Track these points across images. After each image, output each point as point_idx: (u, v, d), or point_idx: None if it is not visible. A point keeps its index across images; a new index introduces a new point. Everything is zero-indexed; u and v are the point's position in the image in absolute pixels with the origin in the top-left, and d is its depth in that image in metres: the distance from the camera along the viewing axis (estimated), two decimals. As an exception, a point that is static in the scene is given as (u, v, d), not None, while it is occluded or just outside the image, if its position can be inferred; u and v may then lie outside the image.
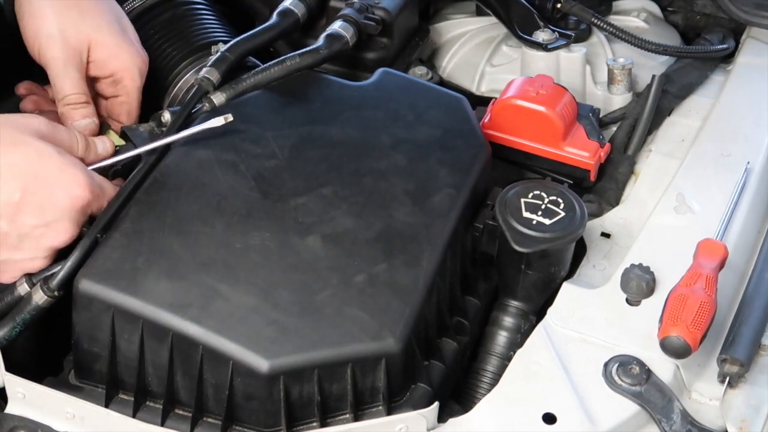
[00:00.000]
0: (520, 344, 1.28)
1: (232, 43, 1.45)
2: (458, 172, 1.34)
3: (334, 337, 1.17)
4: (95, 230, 1.23)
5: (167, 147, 1.32)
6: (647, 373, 1.22)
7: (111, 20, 1.43)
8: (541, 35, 1.69)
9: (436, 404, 1.17)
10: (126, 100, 1.45)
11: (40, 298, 1.22)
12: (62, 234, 1.22)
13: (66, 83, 1.39)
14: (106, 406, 1.21)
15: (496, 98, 1.55)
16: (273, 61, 1.43)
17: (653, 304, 1.27)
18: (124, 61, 1.43)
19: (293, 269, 1.22)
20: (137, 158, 1.32)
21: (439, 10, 1.87)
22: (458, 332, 1.33)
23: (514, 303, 1.37)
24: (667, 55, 1.72)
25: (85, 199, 1.22)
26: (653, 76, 1.59)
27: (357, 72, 1.62)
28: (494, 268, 1.39)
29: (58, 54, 1.38)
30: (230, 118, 1.32)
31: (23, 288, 1.24)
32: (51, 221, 1.21)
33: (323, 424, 1.20)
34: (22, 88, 1.48)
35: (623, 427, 1.19)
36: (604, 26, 1.71)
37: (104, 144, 1.34)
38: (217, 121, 1.32)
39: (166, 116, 1.37)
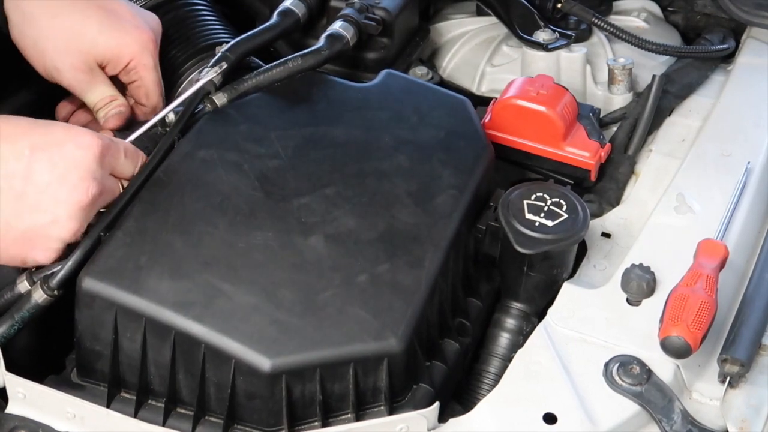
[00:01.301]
0: (522, 346, 1.28)
1: (232, 43, 1.45)
2: (461, 173, 1.34)
3: (336, 337, 1.17)
4: (98, 229, 1.23)
5: (171, 147, 1.33)
6: (648, 373, 1.22)
7: (102, 21, 1.42)
8: (542, 35, 1.69)
9: (436, 404, 1.17)
10: (141, 84, 1.46)
11: (39, 296, 1.22)
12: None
13: (92, 97, 1.43)
14: (108, 404, 1.21)
15: (496, 98, 1.55)
16: (275, 62, 1.43)
17: (654, 304, 1.28)
18: (129, 52, 1.43)
19: (296, 269, 1.22)
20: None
21: (439, 10, 1.87)
22: (460, 333, 1.33)
23: (516, 305, 1.37)
24: (667, 55, 1.72)
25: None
26: (653, 76, 1.59)
27: (357, 72, 1.62)
28: (496, 270, 1.39)
29: (71, 81, 1.42)
30: None
31: (23, 286, 1.24)
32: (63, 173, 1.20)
33: (325, 424, 1.20)
34: (61, 114, 1.50)
35: (624, 427, 1.19)
36: (605, 26, 1.71)
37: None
38: None
39: (170, 116, 1.38)
